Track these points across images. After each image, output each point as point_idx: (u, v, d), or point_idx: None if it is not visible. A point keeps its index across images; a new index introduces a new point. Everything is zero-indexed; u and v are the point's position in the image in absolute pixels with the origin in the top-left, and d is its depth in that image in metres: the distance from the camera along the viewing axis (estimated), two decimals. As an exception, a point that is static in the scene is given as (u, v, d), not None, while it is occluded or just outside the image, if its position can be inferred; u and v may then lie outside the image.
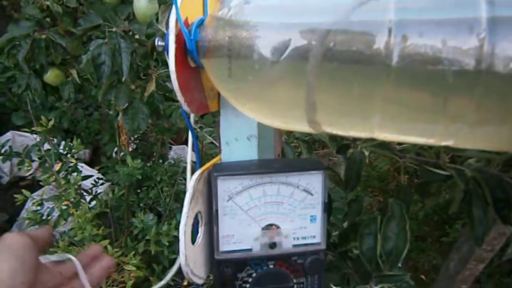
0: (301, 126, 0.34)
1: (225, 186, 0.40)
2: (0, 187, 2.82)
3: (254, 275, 0.43)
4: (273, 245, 0.42)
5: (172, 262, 1.53)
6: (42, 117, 1.42)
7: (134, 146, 1.90)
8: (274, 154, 0.51)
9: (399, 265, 0.45)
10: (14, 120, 1.56)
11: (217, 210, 0.40)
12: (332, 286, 0.44)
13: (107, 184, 1.84)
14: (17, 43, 1.12)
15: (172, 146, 2.62)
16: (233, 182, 0.40)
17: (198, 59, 0.35)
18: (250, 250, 0.42)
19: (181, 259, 0.37)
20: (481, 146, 0.33)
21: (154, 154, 1.89)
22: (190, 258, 0.38)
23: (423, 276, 1.19)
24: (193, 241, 0.41)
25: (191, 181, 0.38)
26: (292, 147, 0.61)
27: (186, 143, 2.62)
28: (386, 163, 1.32)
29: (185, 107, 0.37)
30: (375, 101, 0.30)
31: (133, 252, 1.39)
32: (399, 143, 0.56)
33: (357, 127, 0.32)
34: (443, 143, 0.32)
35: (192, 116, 0.41)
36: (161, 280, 1.30)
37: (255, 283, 0.43)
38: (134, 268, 1.33)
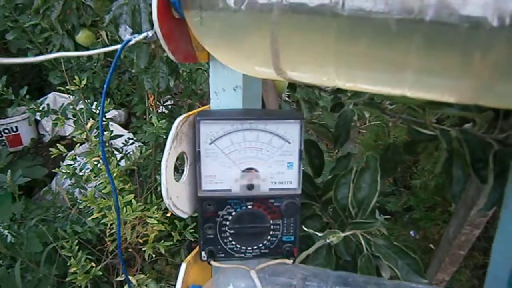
0: (270, 73, 0.37)
1: (207, 130, 0.44)
2: (42, 145, 3.01)
3: (233, 213, 0.47)
4: (251, 187, 0.46)
5: (194, 219, 1.61)
6: (76, 77, 1.50)
7: (164, 110, 1.97)
8: (268, 108, 0.54)
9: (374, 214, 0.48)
10: (51, 79, 1.66)
11: (199, 151, 0.44)
12: (304, 228, 0.47)
13: (137, 144, 1.93)
14: (50, 4, 1.18)
15: (202, 112, 2.69)
16: (215, 126, 0.44)
17: (180, 10, 0.39)
18: (230, 190, 0.46)
19: (162, 192, 0.42)
20: (437, 97, 0.35)
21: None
22: (173, 192, 0.43)
23: (432, 245, 1.20)
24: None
25: (175, 123, 0.42)
26: (290, 104, 0.64)
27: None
28: (404, 133, 1.32)
29: (170, 55, 0.41)
30: (328, 50, 0.32)
31: (156, 207, 1.47)
32: (391, 103, 0.58)
33: (317, 74, 0.35)
34: (398, 92, 0.34)
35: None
36: (182, 235, 1.38)
37: (234, 221, 0.47)
38: (156, 222, 1.42)
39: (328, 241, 0.46)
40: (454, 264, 0.90)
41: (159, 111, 1.87)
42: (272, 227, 0.48)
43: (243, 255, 0.49)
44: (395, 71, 0.32)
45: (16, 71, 3.16)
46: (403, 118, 0.57)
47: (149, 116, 1.77)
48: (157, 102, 1.79)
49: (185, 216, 0.46)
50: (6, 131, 2.82)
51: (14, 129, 2.85)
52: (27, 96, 1.64)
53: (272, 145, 0.45)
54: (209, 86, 0.48)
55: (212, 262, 0.47)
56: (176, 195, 0.44)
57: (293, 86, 0.70)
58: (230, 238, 0.48)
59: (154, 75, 1.01)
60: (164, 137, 1.53)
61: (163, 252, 1.48)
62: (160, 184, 1.45)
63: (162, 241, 1.49)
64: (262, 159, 0.46)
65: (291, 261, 0.47)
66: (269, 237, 0.48)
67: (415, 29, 0.29)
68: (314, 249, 0.49)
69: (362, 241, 0.48)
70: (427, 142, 0.56)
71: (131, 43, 0.41)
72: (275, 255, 0.49)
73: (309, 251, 0.49)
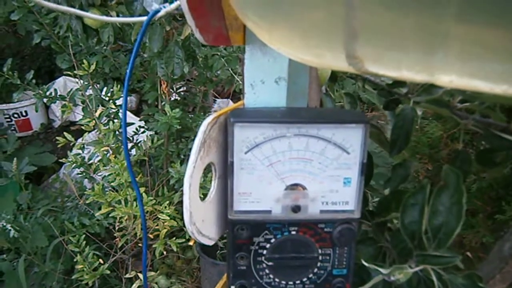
0: (339, 63, 0.26)
1: (243, 135, 0.34)
2: (52, 131, 2.95)
3: (272, 240, 0.37)
4: (296, 209, 0.36)
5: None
6: (84, 61, 1.40)
7: (177, 97, 1.87)
8: (309, 103, 0.43)
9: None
10: (58, 63, 1.56)
11: (232, 162, 0.34)
12: (364, 262, 0.37)
13: (149, 132, 1.84)
14: (57, -20, 1.08)
15: (216, 99, 2.59)
16: (254, 131, 0.34)
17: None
18: (269, 212, 0.36)
19: (185, 216, 0.32)
20: None
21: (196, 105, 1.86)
22: (197, 215, 0.33)
23: (469, 253, 1.10)
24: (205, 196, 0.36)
25: (202, 126, 0.32)
26: (333, 98, 0.53)
27: (230, 96, 2.56)
28: (439, 129, 1.21)
29: (196, 34, 0.30)
30: (440, 30, 0.22)
31: (168, 201, 1.39)
32: (462, 101, 0.47)
33: (412, 66, 0.24)
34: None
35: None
36: (190, 244, 1.27)
37: (273, 250, 0.37)
38: (167, 218, 1.33)
39: (393, 278, 0.36)
40: (506, 282, 0.80)
41: (172, 98, 1.77)
42: (320, 258, 0.38)
43: (282, 291, 0.39)
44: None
45: (26, 54, 3.08)
46: (478, 120, 0.46)
47: (162, 104, 1.67)
48: (170, 89, 1.69)
49: (211, 243, 0.36)
50: (16, 115, 2.76)
51: (24, 114, 2.79)
52: (33, 81, 1.55)
53: (325, 156, 0.35)
54: (244, 77, 0.38)
55: (245, 303, 0.37)
56: (201, 219, 0.34)
57: (333, 76, 0.59)
58: (267, 271, 0.38)
59: (168, 61, 0.91)
60: (178, 126, 1.43)
61: (174, 249, 1.40)
62: (172, 176, 1.35)
63: (174, 238, 1.41)
64: (311, 173, 0.35)
65: (345, 303, 0.37)
66: (316, 270, 0.38)
67: None
68: (371, 285, 0.39)
69: (434, 278, 0.38)
70: (509, 151, 0.45)
71: (159, 14, 0.31)
72: (322, 292, 0.39)
73: (365, 287, 0.39)
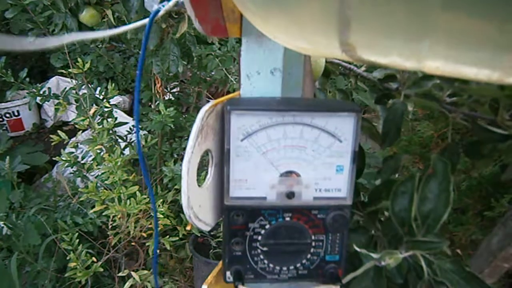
0: (333, 50, 0.28)
1: (239, 123, 0.35)
2: (44, 130, 2.94)
3: (267, 226, 0.38)
4: (290, 195, 0.37)
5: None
6: (79, 60, 1.41)
7: (171, 97, 1.87)
8: (303, 96, 0.44)
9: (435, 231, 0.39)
10: (52, 61, 1.57)
11: (228, 149, 0.35)
12: (356, 247, 0.39)
13: (143, 132, 1.84)
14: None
15: (210, 99, 2.60)
16: (250, 119, 0.35)
17: (213, -36, 0.29)
18: (264, 198, 0.37)
19: (183, 201, 0.33)
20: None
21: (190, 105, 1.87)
22: (195, 200, 0.34)
23: (459, 251, 1.12)
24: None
25: (200, 113, 0.33)
26: (325, 92, 0.54)
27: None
28: (430, 129, 1.23)
29: (196, 24, 0.32)
30: (428, 18, 0.23)
31: (162, 200, 1.39)
32: (450, 95, 0.49)
33: (401, 52, 0.26)
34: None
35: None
36: (188, 229, 1.27)
37: (268, 236, 0.38)
38: (161, 216, 1.34)
39: (383, 263, 0.37)
40: (494, 276, 0.82)
41: (166, 98, 1.77)
42: (313, 244, 0.39)
43: (276, 276, 0.40)
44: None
45: (19, 53, 3.07)
46: (466, 113, 0.48)
47: (156, 103, 1.67)
48: (164, 89, 1.69)
49: (207, 228, 0.37)
50: (8, 115, 2.74)
51: (16, 113, 2.77)
52: (27, 79, 1.55)
53: (319, 144, 0.36)
54: (240, 68, 0.39)
55: (241, 287, 0.38)
56: (198, 204, 0.35)
57: (326, 72, 0.61)
58: (261, 256, 0.39)
59: (164, 58, 0.92)
60: (172, 126, 1.44)
61: (168, 247, 1.40)
62: (166, 175, 1.35)
63: (167, 236, 1.41)
64: (305, 161, 0.37)
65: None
66: (309, 256, 0.39)
67: None
68: (363, 271, 0.40)
69: (423, 264, 0.39)
70: (495, 143, 0.47)
71: (160, 13, 0.32)
72: (315, 278, 0.40)
73: (356, 273, 0.40)
